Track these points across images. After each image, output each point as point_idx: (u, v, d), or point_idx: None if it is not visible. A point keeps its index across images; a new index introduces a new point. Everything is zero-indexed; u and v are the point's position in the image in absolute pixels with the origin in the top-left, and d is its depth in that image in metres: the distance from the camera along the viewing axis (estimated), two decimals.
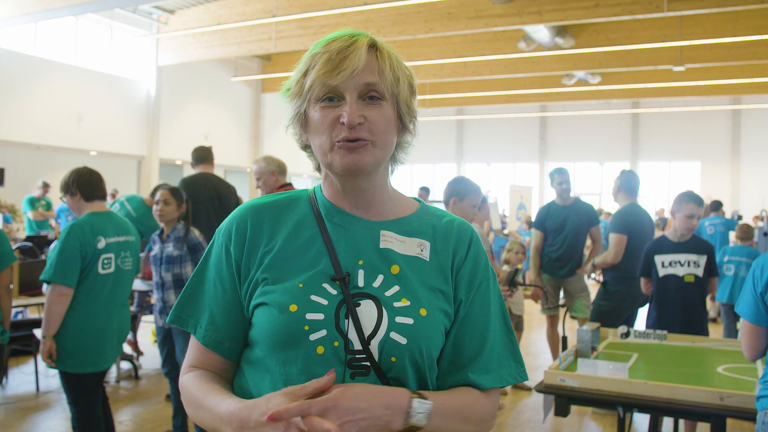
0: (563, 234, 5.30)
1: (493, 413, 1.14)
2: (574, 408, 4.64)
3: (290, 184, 4.44)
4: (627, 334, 3.53)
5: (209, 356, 1.14)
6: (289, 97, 1.11)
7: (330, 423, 0.90)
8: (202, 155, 5.28)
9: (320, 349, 1.02)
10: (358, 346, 1.03)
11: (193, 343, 1.16)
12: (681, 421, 3.71)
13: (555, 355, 5.56)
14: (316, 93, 1.05)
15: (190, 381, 1.13)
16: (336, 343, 1.03)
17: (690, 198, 3.88)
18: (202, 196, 5.01)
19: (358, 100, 1.05)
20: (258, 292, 1.09)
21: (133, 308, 5.91)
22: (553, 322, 5.56)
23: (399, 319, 1.05)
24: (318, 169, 1.17)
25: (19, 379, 5.29)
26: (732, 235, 10.63)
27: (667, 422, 4.02)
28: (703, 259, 3.87)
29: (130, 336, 5.96)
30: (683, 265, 3.88)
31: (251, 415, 0.96)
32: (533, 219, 6.23)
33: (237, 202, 5.30)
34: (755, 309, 2.10)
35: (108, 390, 4.33)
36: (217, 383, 1.11)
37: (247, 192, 19.73)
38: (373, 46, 1.08)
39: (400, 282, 1.09)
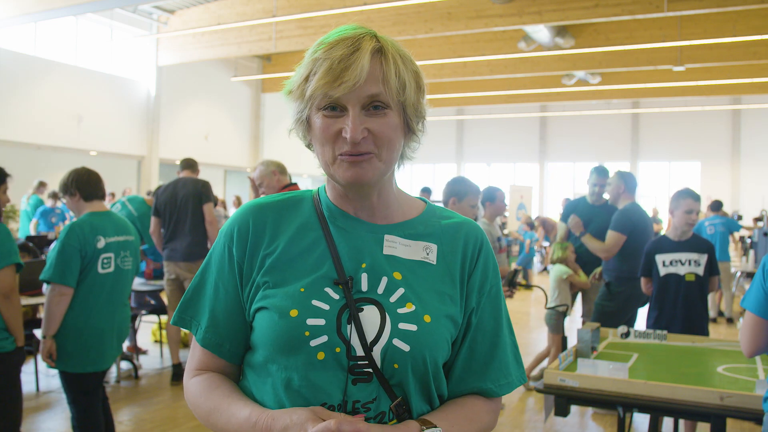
0: (587, 232, 5.25)
1: (496, 419, 1.15)
2: (574, 408, 4.64)
3: (295, 184, 4.45)
4: (627, 334, 3.53)
5: (211, 359, 1.13)
6: (291, 99, 1.08)
7: None
8: (185, 164, 5.67)
9: (321, 355, 1.01)
10: (360, 352, 1.01)
11: (195, 345, 1.15)
12: (681, 421, 3.71)
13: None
14: (318, 102, 1.02)
15: (199, 385, 1.11)
16: (338, 349, 1.01)
17: (687, 194, 3.91)
18: (166, 199, 5.40)
19: (362, 111, 1.01)
20: (259, 295, 1.07)
21: (133, 308, 5.91)
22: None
23: (402, 326, 1.03)
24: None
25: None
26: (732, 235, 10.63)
27: (667, 422, 4.02)
28: (703, 258, 3.88)
29: (128, 343, 5.95)
30: (684, 264, 3.89)
31: (274, 426, 0.96)
32: (533, 219, 6.18)
33: (202, 196, 5.38)
34: (765, 302, 2.10)
35: (108, 390, 4.33)
36: (229, 387, 1.09)
37: (247, 192, 19.72)
38: (378, 51, 1.03)
39: (405, 286, 1.07)
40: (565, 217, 5.47)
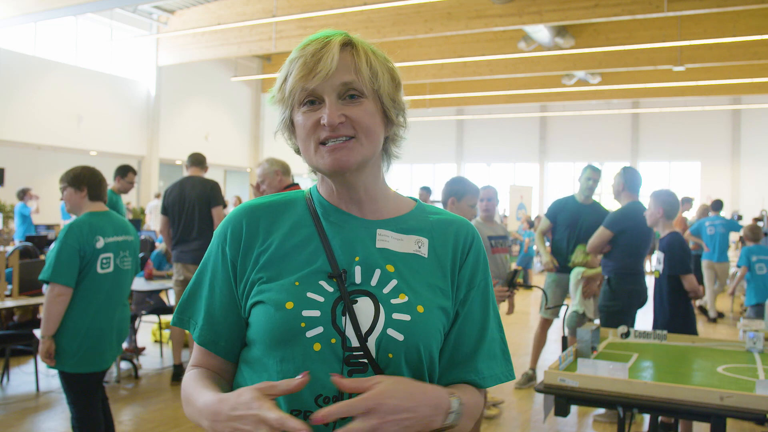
0: (576, 231, 5.22)
1: (481, 410, 1.19)
2: (574, 408, 4.62)
3: (297, 185, 4.44)
4: (627, 334, 3.53)
5: (207, 357, 1.15)
6: (275, 103, 1.12)
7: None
8: (194, 160, 5.57)
9: (317, 346, 1.02)
10: (355, 343, 1.03)
11: (195, 344, 1.18)
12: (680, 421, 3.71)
13: (535, 359, 5.49)
14: (297, 97, 1.07)
15: (187, 378, 1.15)
16: (333, 340, 1.03)
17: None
18: (174, 200, 5.36)
19: (338, 100, 1.05)
20: (254, 291, 1.09)
21: (133, 308, 5.92)
22: (544, 325, 5.51)
23: (396, 316, 1.05)
24: (313, 171, 1.17)
25: (19, 379, 5.29)
26: (732, 236, 10.64)
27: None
28: (663, 256, 4.04)
29: (128, 343, 5.95)
30: (658, 261, 4.11)
31: (222, 408, 0.96)
32: (533, 218, 6.14)
33: (211, 199, 5.33)
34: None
35: (108, 390, 4.33)
36: (208, 379, 1.11)
37: (247, 193, 19.73)
38: (348, 44, 1.08)
39: (398, 278, 1.09)
40: (549, 214, 5.45)
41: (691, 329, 3.93)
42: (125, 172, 6.27)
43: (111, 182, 5.96)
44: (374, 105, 1.08)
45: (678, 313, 3.98)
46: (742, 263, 6.97)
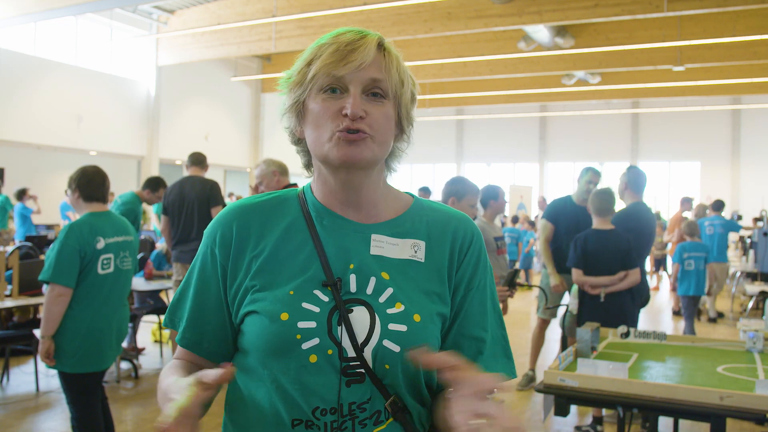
0: (576, 233, 5.23)
1: None
2: (574, 408, 4.62)
3: (295, 185, 4.44)
4: (627, 334, 3.53)
5: (190, 357, 1.14)
6: (290, 86, 1.08)
7: None
8: (194, 159, 5.57)
9: (313, 358, 1.00)
10: (351, 353, 1.01)
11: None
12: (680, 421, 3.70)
13: (534, 360, 5.49)
14: (320, 83, 1.03)
15: (164, 372, 1.12)
16: (329, 351, 1.01)
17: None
18: (174, 200, 5.38)
19: (362, 95, 1.03)
20: (247, 299, 1.06)
21: (133, 308, 5.91)
22: (542, 325, 5.51)
23: (392, 326, 1.02)
24: (306, 167, 1.14)
25: (19, 379, 5.29)
26: (732, 236, 10.65)
27: (664, 422, 4.01)
28: None
29: (128, 343, 5.95)
30: None
31: (170, 390, 0.97)
32: (532, 218, 6.11)
33: (210, 199, 5.33)
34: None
35: (108, 390, 4.33)
36: (182, 369, 1.09)
37: (247, 193, 19.74)
38: (382, 45, 1.07)
39: (394, 286, 1.06)
40: (550, 217, 5.40)
41: (610, 322, 3.86)
42: (157, 186, 6.08)
43: (135, 186, 5.98)
44: (393, 110, 1.07)
45: (593, 306, 4.17)
46: (676, 260, 7.07)
